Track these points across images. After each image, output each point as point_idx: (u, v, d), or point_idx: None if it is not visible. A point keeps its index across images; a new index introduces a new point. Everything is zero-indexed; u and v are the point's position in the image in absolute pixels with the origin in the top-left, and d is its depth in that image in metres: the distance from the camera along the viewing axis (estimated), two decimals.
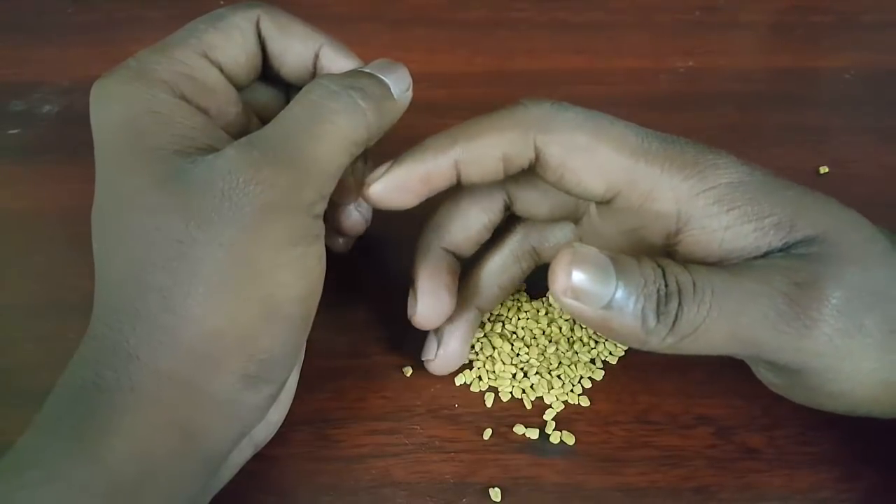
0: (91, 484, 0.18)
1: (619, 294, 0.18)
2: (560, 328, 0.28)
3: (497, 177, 0.22)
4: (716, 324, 0.18)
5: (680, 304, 0.18)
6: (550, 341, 0.28)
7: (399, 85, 0.23)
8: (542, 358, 0.27)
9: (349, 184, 0.24)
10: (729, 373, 0.27)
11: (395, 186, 0.22)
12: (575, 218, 0.25)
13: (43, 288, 0.30)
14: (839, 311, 0.19)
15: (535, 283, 0.29)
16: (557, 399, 0.26)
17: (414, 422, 0.26)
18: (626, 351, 0.28)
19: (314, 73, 0.25)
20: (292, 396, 0.25)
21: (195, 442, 0.19)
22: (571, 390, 0.27)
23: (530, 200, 0.25)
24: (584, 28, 0.40)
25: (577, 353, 0.27)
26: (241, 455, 0.23)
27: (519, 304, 0.29)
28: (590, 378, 0.27)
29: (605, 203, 0.22)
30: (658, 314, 0.18)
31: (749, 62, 0.39)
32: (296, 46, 0.24)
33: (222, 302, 0.19)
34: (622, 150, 0.21)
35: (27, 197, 0.33)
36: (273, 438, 0.25)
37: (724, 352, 0.20)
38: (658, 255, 0.20)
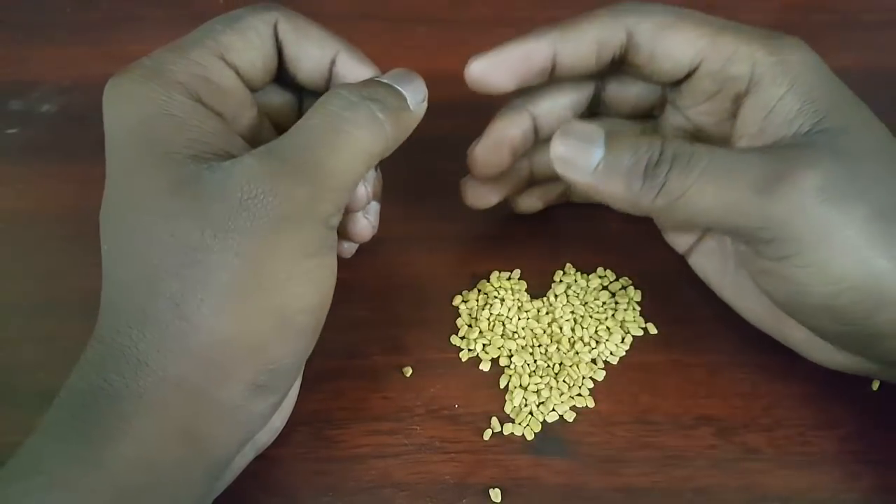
0: (97, 490, 0.18)
1: (605, 162, 0.21)
2: (561, 328, 0.28)
3: (590, 65, 0.24)
4: (702, 190, 0.20)
5: (670, 169, 0.21)
6: (552, 341, 0.28)
7: (416, 96, 0.23)
8: (544, 358, 0.27)
9: (360, 192, 0.24)
10: (729, 373, 0.27)
11: (496, 63, 0.23)
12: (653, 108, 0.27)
13: (42, 288, 0.30)
14: (817, 189, 0.20)
15: (536, 283, 0.29)
16: (568, 408, 0.26)
17: (414, 422, 0.26)
18: (626, 351, 0.28)
19: (329, 79, 0.24)
20: (294, 401, 0.25)
21: (201, 449, 0.19)
22: (579, 394, 0.27)
23: (618, 89, 0.26)
24: None
25: (577, 353, 0.27)
26: (244, 459, 0.23)
27: (520, 304, 0.29)
28: (591, 378, 0.27)
29: (687, 79, 0.24)
30: (644, 178, 0.21)
31: None
32: (313, 51, 0.24)
33: (235, 312, 0.19)
34: (704, 25, 0.23)
35: (26, 196, 0.33)
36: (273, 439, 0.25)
37: (711, 220, 0.21)
38: (717, 133, 0.25)
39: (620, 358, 0.27)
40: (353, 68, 0.24)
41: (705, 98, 0.24)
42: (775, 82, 0.22)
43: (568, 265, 0.30)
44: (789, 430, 0.26)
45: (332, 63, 0.24)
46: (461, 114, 0.35)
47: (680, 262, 0.28)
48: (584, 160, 0.21)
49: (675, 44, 0.23)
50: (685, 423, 0.26)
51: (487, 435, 0.26)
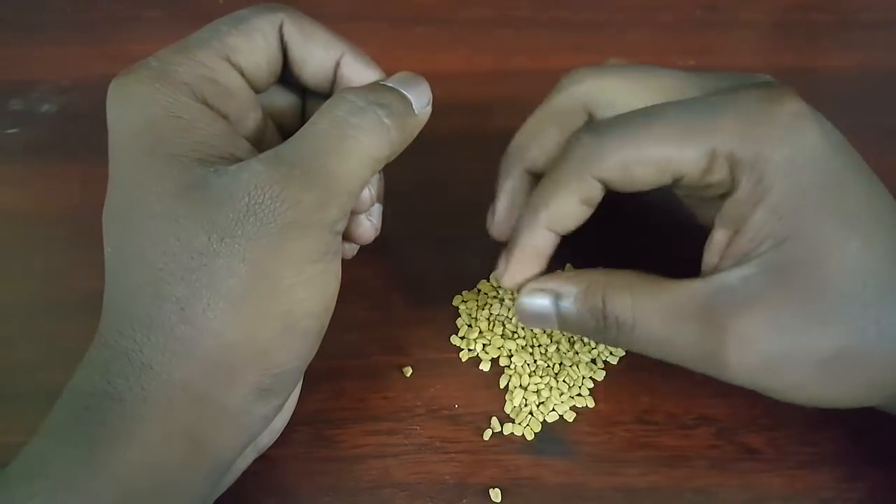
0: (101, 493, 0.18)
1: (565, 315, 0.23)
2: None
3: (587, 215, 0.23)
4: (646, 349, 0.22)
5: (618, 332, 0.22)
6: (551, 341, 0.28)
7: (420, 100, 0.22)
8: (544, 358, 0.27)
9: (364, 195, 0.24)
10: None
11: (517, 271, 0.24)
12: None
13: (42, 288, 0.30)
14: (750, 366, 0.21)
15: None
16: (568, 408, 0.26)
17: (414, 422, 0.26)
18: (626, 351, 0.28)
19: (333, 81, 0.24)
20: (295, 403, 0.25)
21: (204, 452, 0.19)
22: (579, 394, 0.27)
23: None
24: (585, 27, 0.40)
25: (577, 353, 0.27)
26: (245, 461, 0.24)
27: None
28: (591, 378, 0.27)
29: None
30: (597, 335, 0.23)
31: (750, 61, 0.39)
32: (318, 53, 0.23)
33: (241, 317, 0.19)
34: (671, 141, 0.21)
35: (26, 197, 0.33)
36: None
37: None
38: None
39: (620, 358, 0.27)
40: (359, 71, 0.24)
41: (697, 191, 0.23)
42: (751, 189, 0.21)
43: (568, 265, 0.30)
44: (789, 430, 0.26)
45: (337, 65, 0.24)
46: (461, 114, 0.35)
47: (680, 262, 0.28)
48: (548, 320, 0.23)
49: (648, 176, 0.22)
50: (685, 423, 0.26)
51: (487, 435, 0.26)
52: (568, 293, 0.23)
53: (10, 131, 0.35)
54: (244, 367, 0.19)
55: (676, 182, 0.22)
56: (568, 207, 0.23)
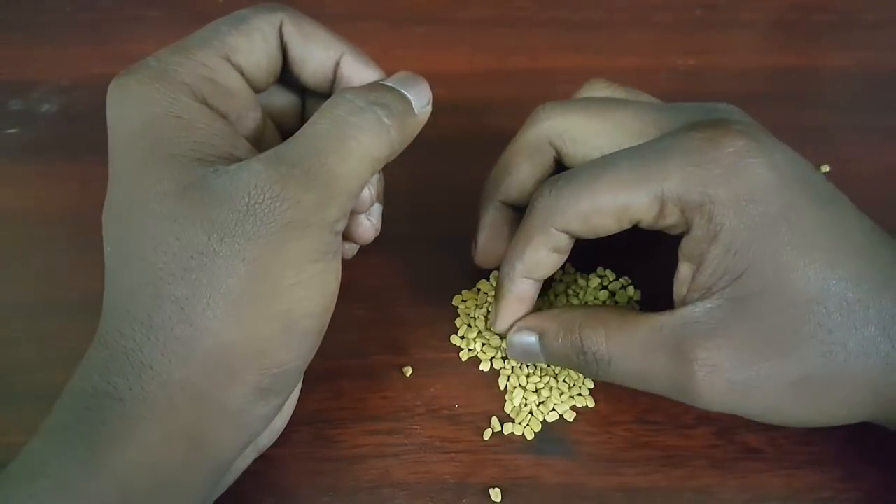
0: (101, 494, 0.18)
1: (549, 350, 0.24)
2: None
3: (561, 261, 0.24)
4: (625, 381, 0.23)
5: (598, 367, 0.23)
6: None
7: (420, 100, 0.23)
8: None
9: (364, 195, 0.24)
10: None
11: (505, 317, 0.25)
12: None
13: (42, 288, 0.30)
14: (719, 394, 0.21)
15: None
16: (568, 408, 0.26)
17: (414, 422, 0.26)
18: None
19: (333, 81, 0.24)
20: (295, 402, 0.25)
21: (204, 452, 0.19)
22: (579, 394, 0.27)
23: (577, 155, 0.25)
24: (585, 26, 0.40)
25: None
26: (245, 461, 0.24)
27: None
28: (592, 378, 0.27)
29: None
30: (580, 368, 0.24)
31: (750, 61, 0.39)
32: (318, 53, 0.24)
33: (241, 317, 0.19)
34: (623, 190, 0.22)
35: (26, 197, 0.33)
36: None
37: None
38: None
39: None
40: (359, 71, 0.24)
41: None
42: (704, 228, 0.21)
43: (568, 265, 0.30)
44: (789, 430, 0.26)
45: (337, 65, 0.24)
46: (461, 114, 0.35)
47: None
48: (535, 355, 0.25)
49: (606, 223, 0.23)
50: (685, 423, 0.26)
51: (487, 435, 0.26)
52: (550, 331, 0.24)
53: (10, 131, 0.35)
54: (244, 367, 0.19)
55: (637, 226, 0.23)
56: (539, 258, 0.24)
